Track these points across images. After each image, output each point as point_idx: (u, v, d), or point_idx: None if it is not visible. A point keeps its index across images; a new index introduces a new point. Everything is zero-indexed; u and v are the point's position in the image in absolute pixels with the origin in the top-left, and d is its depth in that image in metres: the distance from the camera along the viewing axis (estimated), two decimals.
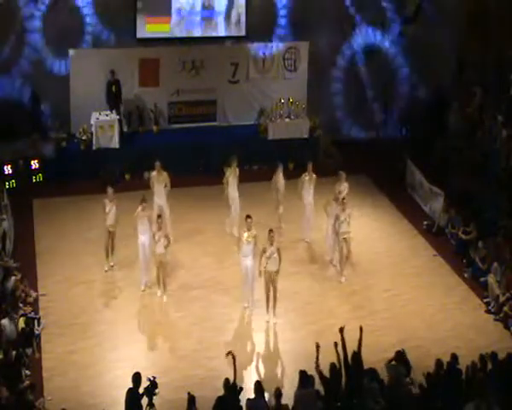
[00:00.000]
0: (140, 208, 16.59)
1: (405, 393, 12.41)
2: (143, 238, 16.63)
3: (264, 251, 15.49)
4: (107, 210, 16.93)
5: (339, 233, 16.97)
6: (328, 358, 13.19)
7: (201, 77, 22.67)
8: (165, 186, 18.04)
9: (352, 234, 17.13)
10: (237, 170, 18.45)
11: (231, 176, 18.33)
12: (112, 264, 17.36)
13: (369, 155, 22.27)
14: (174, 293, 16.63)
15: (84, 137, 21.19)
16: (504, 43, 22.16)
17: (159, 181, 18.03)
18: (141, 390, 12.05)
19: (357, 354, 12.71)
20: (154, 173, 18.09)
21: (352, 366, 12.54)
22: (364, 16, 23.63)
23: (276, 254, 15.45)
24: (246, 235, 15.73)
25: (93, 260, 17.63)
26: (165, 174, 18.04)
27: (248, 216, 15.88)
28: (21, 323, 14.79)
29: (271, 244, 15.44)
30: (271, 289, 15.71)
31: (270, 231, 15.58)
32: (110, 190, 17.06)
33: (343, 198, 17.13)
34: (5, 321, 14.32)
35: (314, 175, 18.31)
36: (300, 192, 18.33)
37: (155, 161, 17.96)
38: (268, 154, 21.91)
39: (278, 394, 11.98)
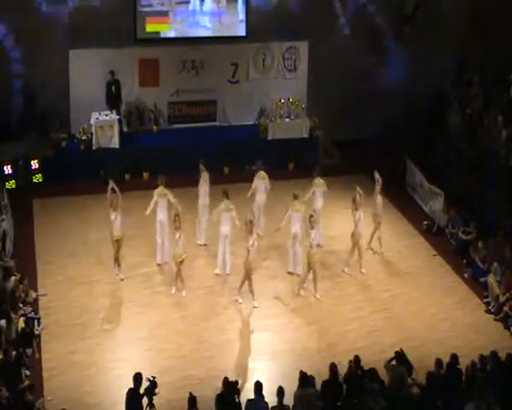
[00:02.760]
0: (160, 188, 16.92)
1: (405, 393, 12.42)
2: (161, 216, 16.94)
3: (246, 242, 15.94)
4: (112, 218, 16.52)
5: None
6: (328, 359, 13.26)
7: (201, 77, 22.69)
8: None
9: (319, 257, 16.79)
10: (264, 174, 18.37)
11: (258, 180, 18.33)
12: (122, 277, 16.96)
13: (369, 155, 22.27)
14: (174, 293, 16.64)
15: (84, 137, 21.19)
16: (504, 43, 22.17)
17: (204, 181, 18.01)
18: (141, 390, 12.07)
19: (358, 358, 12.82)
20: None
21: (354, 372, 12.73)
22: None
23: (255, 245, 15.85)
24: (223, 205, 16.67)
25: (93, 260, 17.62)
26: (207, 174, 18.03)
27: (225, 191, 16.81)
28: (21, 323, 14.77)
29: (250, 234, 15.85)
30: (247, 277, 16.07)
31: (250, 222, 15.98)
32: (115, 199, 16.66)
33: (311, 215, 16.52)
34: (3, 322, 14.31)
35: (322, 180, 18.11)
36: (310, 199, 18.17)
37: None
38: (268, 154, 21.94)
39: (281, 392, 12.01)
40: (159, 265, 17.43)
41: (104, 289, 16.75)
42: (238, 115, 23.18)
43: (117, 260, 16.92)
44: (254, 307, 16.18)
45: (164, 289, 16.78)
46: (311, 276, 16.62)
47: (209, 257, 17.88)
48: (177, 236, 16.16)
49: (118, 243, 16.74)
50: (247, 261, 15.93)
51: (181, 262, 16.36)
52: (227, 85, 22.95)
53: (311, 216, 16.48)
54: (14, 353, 13.65)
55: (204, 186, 18.02)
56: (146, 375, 12.16)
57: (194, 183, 18.15)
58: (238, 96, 23.07)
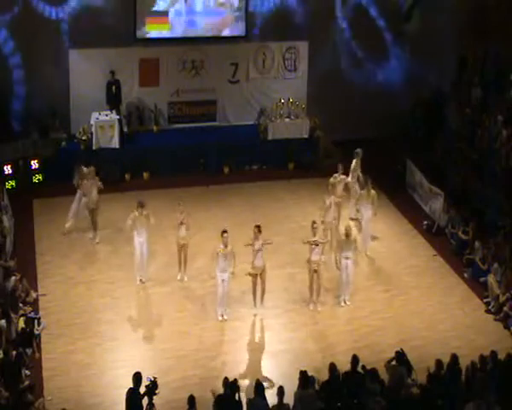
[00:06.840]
0: (137, 212, 16.53)
1: (406, 393, 12.42)
2: (141, 240, 16.66)
3: (252, 246, 15.64)
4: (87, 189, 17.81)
5: (310, 261, 16.12)
6: (328, 359, 13.25)
7: (201, 77, 22.69)
8: None
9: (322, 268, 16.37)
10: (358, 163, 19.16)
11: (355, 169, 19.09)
12: (97, 240, 18.14)
13: (369, 155, 22.24)
14: (174, 293, 16.65)
15: (84, 137, 21.19)
16: (504, 43, 22.16)
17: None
18: (141, 390, 12.07)
19: (356, 357, 12.81)
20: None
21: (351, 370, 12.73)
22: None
23: (261, 250, 15.65)
24: (221, 249, 15.49)
25: (93, 260, 17.64)
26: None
27: (224, 231, 15.52)
28: (21, 323, 14.79)
29: (257, 239, 15.62)
30: (259, 282, 15.87)
31: (257, 226, 15.72)
32: (86, 170, 17.94)
33: (313, 222, 16.19)
34: (3, 322, 14.31)
35: (373, 191, 18.05)
36: (358, 207, 18.50)
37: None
38: (268, 154, 21.97)
39: (281, 392, 12.00)
40: (141, 281, 16.94)
41: (104, 289, 16.75)
42: (238, 115, 23.17)
43: (93, 226, 18.13)
44: (254, 314, 16.07)
45: (164, 289, 16.78)
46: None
47: (208, 257, 17.85)
48: (180, 220, 16.43)
49: (93, 210, 18.01)
50: (254, 267, 15.77)
51: (183, 246, 16.60)
52: (227, 85, 22.95)
53: (313, 222, 16.26)
54: (14, 353, 13.66)
55: None
56: (146, 375, 12.15)
57: (195, 183, 18.14)
58: (238, 96, 23.07)
